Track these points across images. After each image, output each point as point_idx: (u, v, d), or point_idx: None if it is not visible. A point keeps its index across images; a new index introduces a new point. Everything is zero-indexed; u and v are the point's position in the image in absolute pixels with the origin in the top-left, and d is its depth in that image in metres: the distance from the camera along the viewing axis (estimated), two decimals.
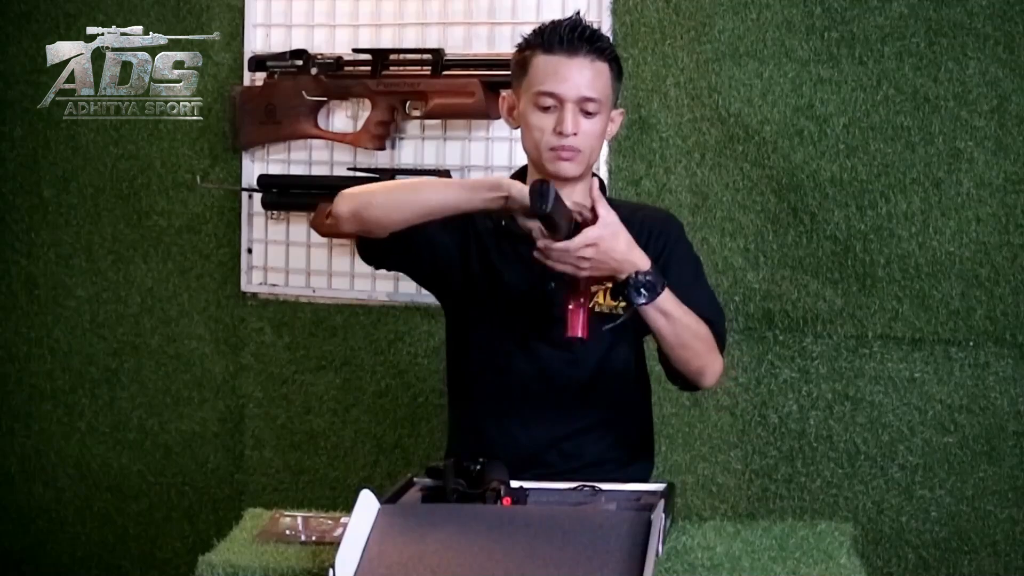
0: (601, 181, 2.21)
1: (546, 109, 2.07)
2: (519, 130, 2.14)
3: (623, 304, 2.09)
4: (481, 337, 2.18)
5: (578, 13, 2.12)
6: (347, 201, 2.07)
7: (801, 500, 2.78)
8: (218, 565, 1.83)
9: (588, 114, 2.07)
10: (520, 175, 2.17)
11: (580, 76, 2.05)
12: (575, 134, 2.05)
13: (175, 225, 3.22)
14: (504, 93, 2.17)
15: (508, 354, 2.16)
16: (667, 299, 2.00)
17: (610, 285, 2.08)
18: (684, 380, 2.14)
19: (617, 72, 2.12)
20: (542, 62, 2.07)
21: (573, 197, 2.03)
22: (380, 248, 2.10)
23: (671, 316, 2.02)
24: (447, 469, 1.87)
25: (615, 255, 1.96)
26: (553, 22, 2.10)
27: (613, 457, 2.20)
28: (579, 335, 1.98)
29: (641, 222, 2.15)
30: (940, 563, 2.73)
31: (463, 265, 2.16)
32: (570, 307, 1.98)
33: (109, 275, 3.29)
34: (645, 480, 2.26)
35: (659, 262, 2.11)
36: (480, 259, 2.16)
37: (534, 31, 2.12)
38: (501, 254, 2.15)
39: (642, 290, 1.98)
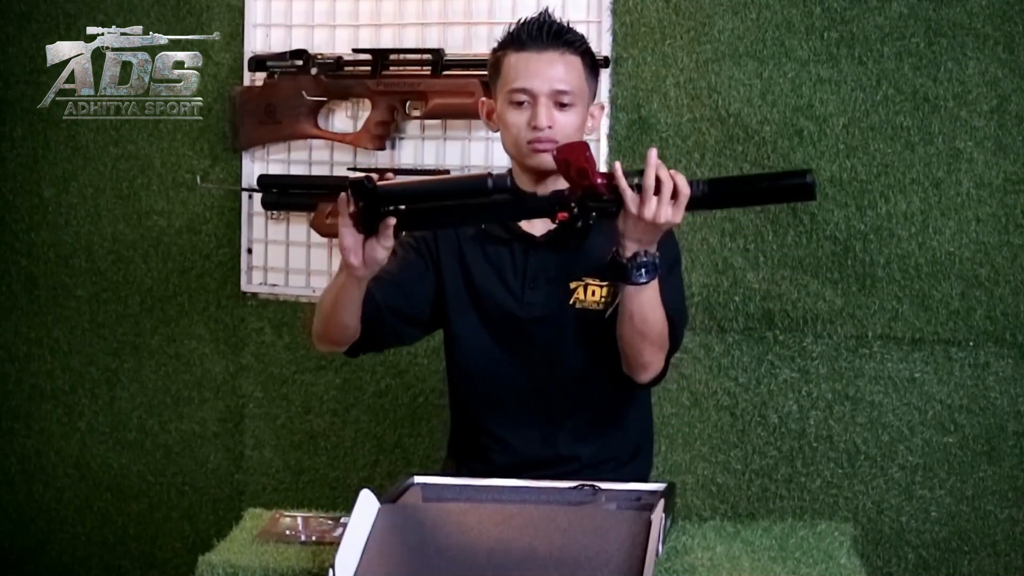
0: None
1: (520, 105, 2.09)
2: (499, 133, 2.16)
3: (605, 296, 2.10)
4: (468, 343, 2.19)
5: (547, 10, 2.15)
6: (313, 327, 2.12)
7: (801, 500, 2.78)
8: (218, 565, 1.83)
9: (562, 106, 2.09)
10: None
11: (551, 70, 2.08)
12: (550, 127, 2.07)
13: (175, 225, 3.22)
14: (482, 99, 2.21)
15: (496, 360, 2.17)
16: (654, 285, 1.99)
17: (594, 282, 2.11)
18: (625, 367, 2.12)
19: (591, 65, 2.14)
20: (513, 60, 2.10)
21: (558, 186, 1.99)
22: (364, 344, 2.14)
23: (650, 303, 2.00)
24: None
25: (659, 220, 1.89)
26: (522, 20, 2.12)
27: (612, 456, 2.20)
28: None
29: None
30: (940, 563, 2.73)
31: (441, 284, 2.18)
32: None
33: (109, 275, 3.29)
34: (645, 480, 2.27)
35: None
36: (459, 269, 2.17)
37: (506, 32, 2.14)
38: (484, 259, 2.17)
39: (643, 270, 1.96)
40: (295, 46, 3.03)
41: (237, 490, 3.22)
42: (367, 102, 2.96)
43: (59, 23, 3.24)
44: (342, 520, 1.93)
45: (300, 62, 3.00)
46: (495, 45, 2.17)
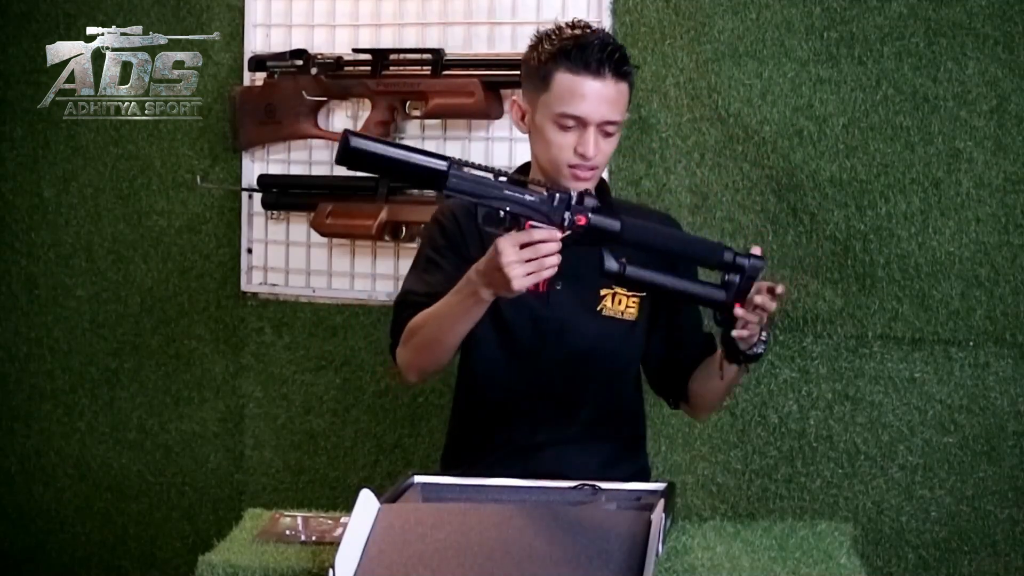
0: (604, 182, 2.21)
1: (566, 128, 2.06)
2: (528, 135, 2.13)
3: (633, 307, 2.13)
4: (485, 345, 2.17)
5: (604, 31, 2.10)
6: (407, 355, 2.12)
7: (801, 500, 2.78)
8: (218, 565, 1.83)
9: (607, 134, 2.07)
10: (523, 172, 2.17)
11: (606, 100, 2.04)
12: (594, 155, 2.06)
13: (175, 225, 3.22)
14: (514, 97, 2.16)
15: (512, 363, 2.16)
16: None
17: (623, 292, 2.13)
18: (693, 409, 2.23)
19: (632, 86, 2.11)
20: (567, 81, 2.04)
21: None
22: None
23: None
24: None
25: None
26: (578, 38, 2.05)
27: (613, 457, 2.20)
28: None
29: (656, 220, 2.18)
30: (940, 563, 2.73)
31: None
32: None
33: (109, 275, 3.29)
34: (645, 480, 2.27)
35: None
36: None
37: (557, 41, 2.07)
38: None
39: (763, 345, 2.02)
40: (295, 46, 3.03)
41: (237, 490, 3.22)
42: (367, 102, 2.97)
43: (59, 23, 3.24)
44: (342, 520, 1.93)
45: (300, 62, 3.00)
46: (540, 49, 2.08)
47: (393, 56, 2.95)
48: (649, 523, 1.73)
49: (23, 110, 3.29)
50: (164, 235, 3.23)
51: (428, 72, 2.89)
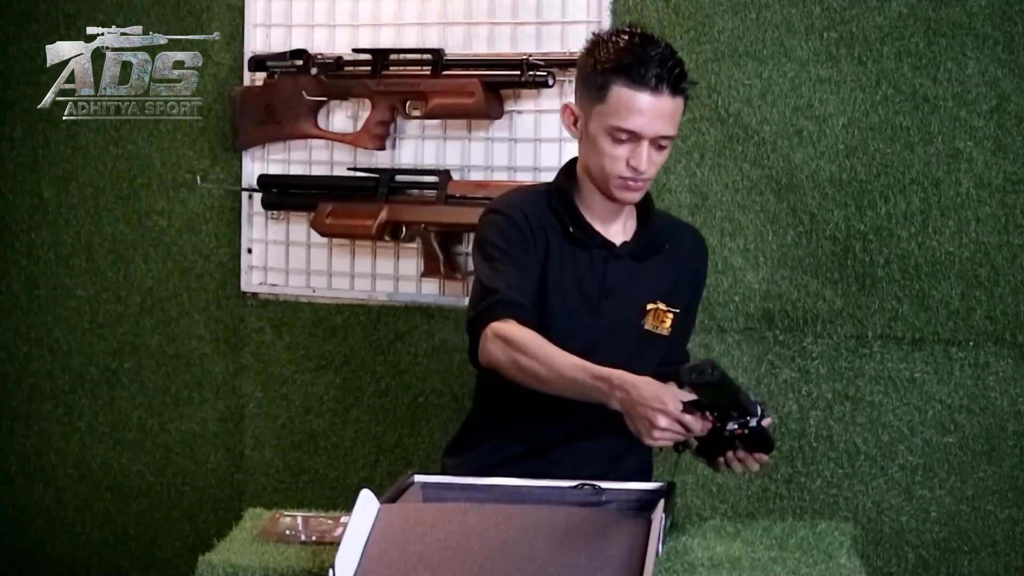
0: (648, 195, 2.19)
1: (620, 140, 2.05)
2: (578, 140, 2.13)
3: (671, 324, 2.18)
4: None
5: (667, 46, 2.06)
6: (501, 352, 2.00)
7: (801, 500, 2.78)
8: (218, 565, 1.83)
9: (660, 148, 2.07)
10: (569, 171, 2.18)
11: (661, 115, 2.03)
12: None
13: (175, 225, 3.22)
14: (568, 103, 2.14)
15: None
16: None
17: (664, 308, 2.16)
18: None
19: (688, 99, 2.10)
20: (625, 95, 2.02)
21: (624, 212, 2.14)
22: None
23: None
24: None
25: None
26: (638, 51, 2.03)
27: (620, 451, 2.19)
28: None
29: (693, 239, 2.27)
30: (940, 563, 2.73)
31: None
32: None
33: (109, 275, 3.29)
34: (648, 476, 2.27)
35: (697, 293, 2.25)
36: (543, 268, 2.13)
37: (615, 52, 2.04)
38: (562, 261, 2.13)
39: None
40: (295, 46, 3.03)
41: (237, 490, 3.22)
42: (367, 102, 2.97)
43: (59, 23, 3.24)
44: (342, 520, 1.93)
45: (300, 62, 3.00)
46: (597, 56, 2.05)
47: (393, 56, 2.95)
48: (649, 523, 1.73)
49: (23, 110, 3.29)
50: (164, 235, 3.23)
51: (428, 72, 2.89)
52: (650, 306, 2.15)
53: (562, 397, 1.98)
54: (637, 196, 2.11)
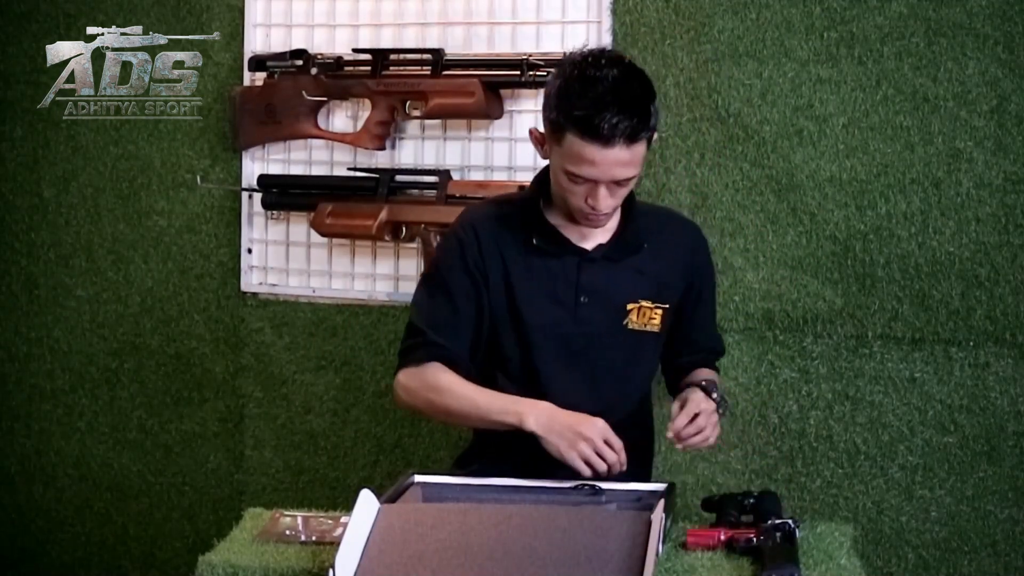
0: (632, 195, 2.19)
1: (577, 183, 2.04)
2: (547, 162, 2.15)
3: (659, 318, 2.19)
4: (514, 363, 2.16)
5: (631, 85, 2.01)
6: (407, 396, 2.15)
7: (801, 500, 2.78)
8: (218, 565, 1.83)
9: (622, 184, 2.05)
10: (543, 179, 2.18)
11: (616, 164, 2.01)
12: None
13: (175, 225, 3.22)
14: (533, 128, 2.16)
15: (544, 379, 2.15)
16: None
17: (649, 305, 2.17)
18: None
19: (651, 140, 2.06)
20: (577, 145, 2.00)
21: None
22: None
23: None
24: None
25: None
26: (591, 104, 1.97)
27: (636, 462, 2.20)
28: None
29: (683, 231, 2.27)
30: (940, 563, 2.73)
31: (489, 304, 2.15)
32: None
33: (109, 275, 3.29)
34: (647, 477, 2.28)
35: (693, 284, 2.23)
36: (504, 287, 2.14)
37: (569, 100, 2.00)
38: (529, 274, 2.14)
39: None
40: (295, 46, 3.03)
41: (237, 490, 3.22)
42: (367, 102, 2.96)
43: (59, 23, 3.24)
44: (342, 520, 1.93)
45: (300, 62, 3.00)
46: (553, 101, 2.02)
47: (393, 56, 2.95)
48: (649, 523, 1.73)
49: (23, 110, 3.29)
50: (164, 235, 3.23)
51: (428, 72, 2.89)
52: (631, 305, 2.15)
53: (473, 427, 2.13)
54: (602, 223, 2.11)
